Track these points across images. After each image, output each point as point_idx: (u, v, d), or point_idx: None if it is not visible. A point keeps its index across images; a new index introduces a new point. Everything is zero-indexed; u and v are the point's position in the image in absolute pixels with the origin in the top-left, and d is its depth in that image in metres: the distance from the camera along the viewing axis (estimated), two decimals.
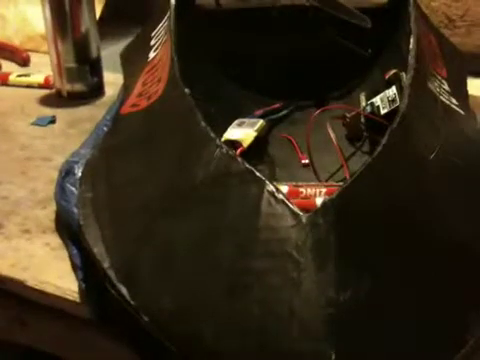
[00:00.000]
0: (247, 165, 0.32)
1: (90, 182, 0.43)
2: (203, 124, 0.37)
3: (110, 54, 0.74)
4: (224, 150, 0.34)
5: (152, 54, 0.59)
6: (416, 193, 0.34)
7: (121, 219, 0.37)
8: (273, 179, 0.48)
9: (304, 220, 0.28)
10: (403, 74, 0.49)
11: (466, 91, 0.59)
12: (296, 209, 0.29)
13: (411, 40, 0.47)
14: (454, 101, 0.51)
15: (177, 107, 0.43)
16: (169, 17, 0.56)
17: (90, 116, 0.61)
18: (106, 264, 0.33)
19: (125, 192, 0.39)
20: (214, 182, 0.33)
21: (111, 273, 0.33)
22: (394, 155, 0.35)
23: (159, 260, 0.32)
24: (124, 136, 0.47)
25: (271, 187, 0.30)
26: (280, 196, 0.30)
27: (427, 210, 0.34)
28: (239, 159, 0.33)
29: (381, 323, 0.28)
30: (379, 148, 0.34)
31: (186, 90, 0.43)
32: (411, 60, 0.44)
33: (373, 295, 0.28)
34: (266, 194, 0.30)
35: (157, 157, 0.40)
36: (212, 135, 0.35)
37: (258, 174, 0.31)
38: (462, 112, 0.51)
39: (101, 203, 0.39)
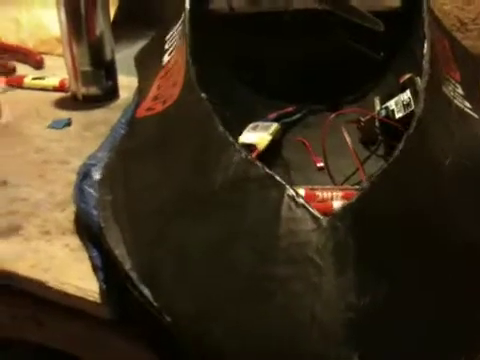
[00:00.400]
0: (267, 170, 0.33)
1: (109, 185, 0.43)
2: (221, 129, 0.37)
3: (124, 57, 0.75)
4: (243, 155, 0.34)
5: (166, 58, 0.60)
6: (432, 198, 0.34)
7: (139, 222, 0.37)
8: (288, 182, 0.48)
9: (325, 224, 0.29)
10: (418, 78, 0.49)
11: (479, 94, 0.59)
12: (316, 213, 0.29)
13: (425, 45, 0.47)
14: (468, 105, 0.52)
15: (194, 111, 0.43)
16: (183, 21, 0.56)
17: (105, 119, 0.62)
18: (128, 266, 0.34)
19: (142, 196, 0.39)
20: (233, 187, 0.34)
21: (133, 274, 0.33)
22: (411, 160, 0.35)
23: (178, 263, 0.33)
24: (140, 140, 0.48)
25: (291, 191, 0.31)
26: (300, 200, 0.30)
27: (442, 214, 0.34)
28: (258, 164, 0.33)
29: (400, 326, 0.28)
30: (396, 153, 0.34)
31: (203, 94, 0.43)
32: (426, 65, 0.45)
33: (391, 299, 0.28)
34: (286, 198, 0.30)
35: (174, 161, 0.40)
36: (231, 139, 0.36)
37: (278, 178, 0.32)
38: (476, 116, 0.51)
39: (120, 206, 0.40)
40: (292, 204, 0.30)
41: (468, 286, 0.32)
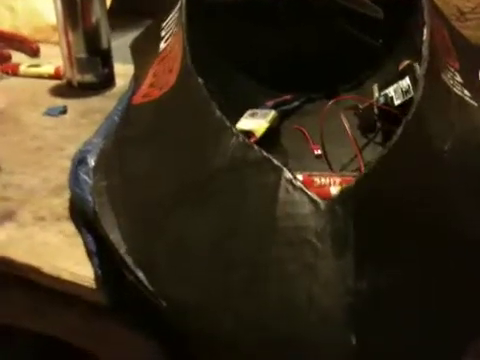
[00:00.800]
0: (264, 153, 0.32)
1: (104, 171, 0.43)
2: (218, 113, 0.37)
3: (120, 45, 0.74)
4: (240, 139, 0.34)
5: (163, 45, 0.59)
6: (431, 184, 0.34)
7: (137, 209, 0.37)
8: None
9: (323, 207, 0.28)
10: (417, 65, 0.49)
11: (478, 83, 0.59)
12: (315, 196, 0.29)
13: (424, 31, 0.47)
14: (467, 93, 0.51)
15: (190, 97, 0.43)
16: (180, 8, 0.56)
17: (101, 107, 0.61)
18: (123, 250, 0.34)
19: (140, 183, 0.39)
20: (231, 171, 0.33)
21: (128, 259, 0.33)
22: (409, 146, 0.35)
23: (176, 249, 0.32)
24: (137, 127, 0.47)
25: (288, 174, 0.30)
26: (298, 183, 0.30)
27: (442, 201, 0.34)
28: (256, 147, 0.33)
29: (400, 312, 0.28)
30: (395, 139, 0.34)
31: (200, 80, 0.43)
32: (425, 51, 0.44)
33: (391, 284, 0.28)
34: (284, 181, 0.30)
35: (171, 147, 0.40)
36: (228, 124, 0.35)
37: (276, 162, 0.31)
38: (475, 104, 0.51)
39: (116, 192, 0.39)
40: (289, 187, 0.30)
41: (469, 274, 0.32)
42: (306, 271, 0.27)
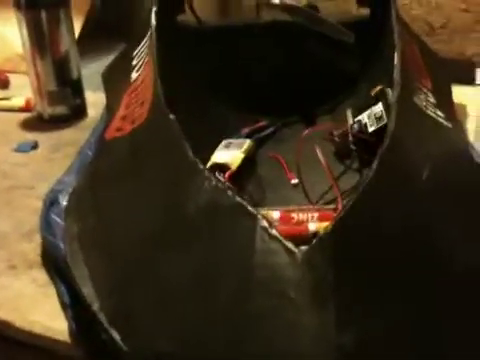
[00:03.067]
0: (237, 198, 0.31)
1: (76, 214, 0.42)
2: (190, 155, 0.36)
3: (91, 72, 0.73)
4: (214, 182, 0.33)
5: (134, 75, 0.58)
6: (411, 218, 0.33)
7: (110, 255, 0.36)
8: (263, 201, 0.47)
9: (300, 256, 0.28)
10: (389, 90, 0.48)
11: (451, 101, 0.59)
12: (290, 245, 0.28)
13: (396, 56, 0.47)
14: (440, 113, 0.51)
15: (163, 135, 0.42)
16: (150, 36, 0.55)
17: (73, 140, 0.60)
18: (96, 306, 0.32)
19: (113, 226, 0.38)
20: (206, 216, 0.32)
21: (101, 316, 0.32)
22: (386, 179, 0.34)
23: (153, 300, 0.31)
24: (110, 164, 0.46)
25: (264, 222, 0.30)
26: (273, 232, 0.29)
27: (424, 235, 0.33)
28: (229, 192, 0.32)
29: None
30: (370, 174, 0.33)
31: (171, 116, 0.42)
32: (396, 76, 0.44)
33: (376, 334, 0.27)
34: (259, 230, 0.29)
35: (145, 189, 0.39)
36: (200, 167, 0.35)
37: (250, 208, 0.31)
38: (449, 125, 0.51)
39: (88, 238, 0.38)
40: (265, 236, 0.29)
41: (460, 309, 0.31)
42: (286, 328, 0.26)
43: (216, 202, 0.32)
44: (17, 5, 0.60)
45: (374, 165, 0.34)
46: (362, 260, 0.29)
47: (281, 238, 0.29)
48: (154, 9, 0.55)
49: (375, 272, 0.29)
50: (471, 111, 0.67)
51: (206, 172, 0.34)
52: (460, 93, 0.66)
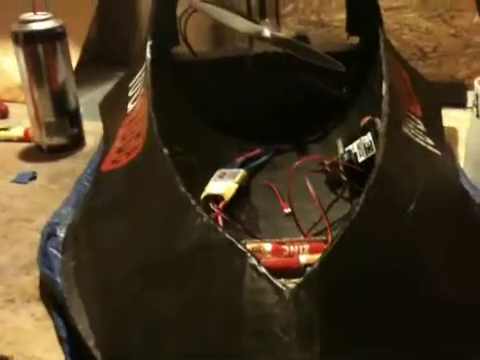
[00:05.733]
0: (227, 236, 0.32)
1: (73, 248, 0.43)
2: (183, 191, 0.37)
3: (88, 101, 0.74)
4: (205, 219, 0.34)
5: (130, 106, 0.59)
6: (397, 253, 0.34)
7: (105, 291, 0.37)
8: (257, 231, 0.48)
9: (287, 296, 0.28)
10: (377, 120, 0.50)
11: (441, 127, 0.60)
12: (279, 284, 0.29)
13: (384, 85, 0.48)
14: (430, 141, 0.52)
15: (156, 170, 0.43)
16: (145, 69, 0.56)
17: (71, 170, 0.61)
18: (91, 342, 0.33)
19: (108, 262, 0.39)
20: (197, 253, 0.33)
21: (97, 353, 0.32)
22: (373, 213, 0.35)
23: (145, 337, 0.32)
24: (105, 198, 0.47)
25: (253, 260, 0.30)
26: (262, 270, 0.30)
27: (409, 269, 0.34)
28: (220, 229, 0.33)
29: None
30: (357, 208, 0.34)
31: (165, 151, 0.43)
32: (384, 107, 0.45)
33: None
34: (248, 268, 0.30)
35: (139, 224, 0.40)
36: (192, 203, 0.36)
37: (239, 246, 0.31)
38: (438, 153, 0.51)
39: (84, 273, 0.39)
40: (254, 274, 0.30)
41: (449, 342, 0.32)
42: None
43: (207, 239, 0.33)
44: (15, 40, 0.62)
45: (360, 200, 0.35)
46: (348, 297, 0.30)
47: (270, 276, 0.29)
48: (149, 43, 0.57)
49: (361, 309, 0.30)
50: (462, 135, 0.68)
51: (198, 208, 0.35)
52: (451, 116, 0.67)
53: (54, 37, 0.62)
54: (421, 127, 0.54)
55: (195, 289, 0.32)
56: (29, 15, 0.62)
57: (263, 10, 0.68)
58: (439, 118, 0.61)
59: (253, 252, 0.32)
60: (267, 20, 0.62)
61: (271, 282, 0.29)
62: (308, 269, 0.30)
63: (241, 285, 0.30)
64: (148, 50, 0.57)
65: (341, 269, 0.30)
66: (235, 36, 0.72)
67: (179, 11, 0.61)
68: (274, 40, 0.54)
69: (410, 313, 0.31)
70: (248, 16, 0.62)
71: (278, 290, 0.29)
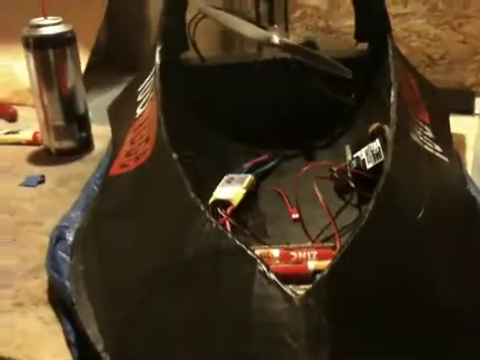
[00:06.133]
0: (237, 242, 0.32)
1: (81, 252, 0.43)
2: (192, 196, 0.37)
3: (97, 105, 0.74)
4: (214, 225, 0.34)
5: (139, 110, 0.60)
6: (406, 259, 0.34)
7: (114, 296, 0.37)
8: (264, 236, 0.48)
9: (297, 303, 0.29)
10: (386, 127, 0.50)
11: (449, 133, 0.60)
12: (288, 290, 0.29)
13: (392, 93, 0.48)
14: (438, 148, 0.52)
15: (165, 174, 0.43)
16: (155, 74, 0.57)
17: (80, 173, 0.62)
18: (100, 346, 0.33)
19: (117, 266, 0.39)
20: (205, 259, 0.33)
21: (106, 357, 0.32)
22: (382, 221, 0.35)
23: (153, 343, 0.32)
24: (114, 202, 0.47)
25: (262, 266, 0.30)
26: (272, 276, 0.30)
27: (417, 276, 0.34)
28: (229, 235, 0.33)
29: None
30: (366, 216, 0.34)
31: (174, 155, 0.43)
32: (393, 114, 0.45)
33: None
34: (258, 274, 0.30)
35: (148, 229, 0.40)
36: (201, 208, 0.36)
37: (249, 252, 0.31)
38: (446, 159, 0.51)
39: (93, 277, 0.39)
40: (264, 281, 0.30)
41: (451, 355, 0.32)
42: None
43: (216, 245, 0.33)
44: (26, 44, 0.62)
45: (369, 207, 0.35)
46: (356, 304, 0.30)
47: (279, 283, 0.30)
48: (158, 48, 0.57)
49: (369, 316, 0.30)
50: (470, 141, 0.68)
51: (207, 214, 0.35)
52: (459, 123, 0.67)
53: (64, 42, 0.63)
54: (429, 134, 0.54)
55: (204, 295, 0.32)
56: (39, 20, 0.63)
57: (272, 16, 0.69)
58: (447, 125, 0.61)
59: (262, 258, 0.32)
60: (276, 26, 0.62)
61: (281, 289, 0.29)
62: (317, 276, 0.30)
63: (250, 292, 0.30)
64: (157, 55, 0.57)
65: (350, 276, 0.31)
66: (244, 41, 0.72)
67: (188, 17, 0.62)
68: (283, 46, 0.54)
69: (418, 320, 0.31)
70: (257, 22, 0.63)
71: (288, 297, 0.29)
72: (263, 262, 0.31)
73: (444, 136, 0.57)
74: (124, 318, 0.35)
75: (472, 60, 0.77)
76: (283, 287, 0.29)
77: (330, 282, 0.29)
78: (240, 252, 0.32)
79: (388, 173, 0.38)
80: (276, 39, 0.54)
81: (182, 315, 0.32)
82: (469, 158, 0.63)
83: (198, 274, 0.33)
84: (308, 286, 0.30)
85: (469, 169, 0.59)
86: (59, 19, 0.63)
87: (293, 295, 0.29)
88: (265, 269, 0.30)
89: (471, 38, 0.76)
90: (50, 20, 0.63)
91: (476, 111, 0.75)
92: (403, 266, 0.34)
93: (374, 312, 0.31)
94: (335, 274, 0.30)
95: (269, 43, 0.54)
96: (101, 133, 0.69)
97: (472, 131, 0.70)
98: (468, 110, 0.75)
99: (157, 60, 0.56)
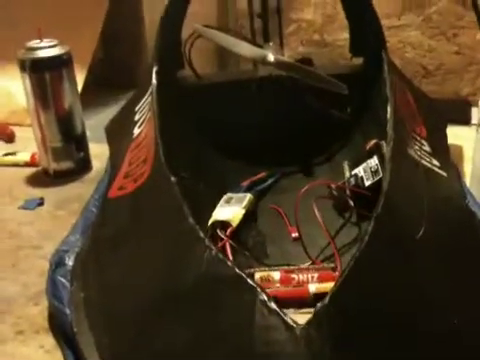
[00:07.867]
0: (237, 270, 0.32)
1: (81, 279, 0.43)
2: (191, 222, 0.37)
3: (94, 124, 0.75)
4: (214, 252, 0.34)
5: (137, 130, 0.60)
6: (406, 284, 0.34)
7: (114, 324, 0.37)
8: (264, 257, 0.48)
9: (298, 333, 0.28)
10: (383, 143, 0.50)
11: (446, 146, 0.60)
12: (289, 320, 0.29)
13: (388, 109, 0.48)
14: (436, 162, 0.52)
15: (164, 198, 0.43)
16: (151, 94, 0.57)
17: (78, 195, 0.61)
18: None
19: (117, 294, 0.39)
20: (205, 287, 0.33)
21: None
22: (381, 244, 0.35)
23: None
24: (113, 227, 0.47)
25: (263, 296, 0.30)
26: (273, 306, 0.30)
27: (420, 300, 0.34)
28: (229, 263, 0.33)
29: None
30: (366, 238, 0.34)
31: (172, 179, 0.43)
32: (389, 131, 0.45)
33: None
34: (259, 304, 0.30)
35: (148, 255, 0.40)
36: (200, 235, 0.36)
37: (249, 281, 0.31)
38: (445, 174, 0.51)
39: (94, 305, 0.39)
40: (265, 310, 0.30)
41: None
42: None
43: (215, 273, 0.33)
44: (22, 67, 0.62)
45: (369, 229, 0.35)
46: (358, 333, 0.30)
47: (280, 312, 0.29)
48: (155, 69, 0.57)
49: (372, 345, 0.30)
50: (466, 152, 0.68)
51: (206, 241, 0.35)
52: (456, 134, 0.67)
53: (60, 64, 0.63)
54: (426, 148, 0.54)
55: (203, 323, 0.32)
56: (35, 42, 0.63)
57: (266, 32, 0.69)
58: (444, 137, 0.61)
59: (262, 282, 0.32)
60: (271, 43, 0.62)
61: (282, 319, 0.29)
62: (318, 305, 0.30)
63: (251, 321, 0.30)
64: (154, 76, 0.57)
65: (351, 304, 0.30)
66: (239, 59, 0.72)
67: (184, 35, 0.62)
68: (278, 64, 0.54)
69: (421, 346, 0.31)
70: (252, 40, 0.63)
71: (289, 327, 0.29)
72: (264, 291, 0.31)
73: (441, 149, 0.58)
74: (124, 346, 0.35)
75: (467, 70, 0.77)
76: (284, 317, 0.29)
77: (331, 311, 0.29)
78: (240, 280, 0.32)
79: (387, 193, 0.38)
80: (271, 57, 0.55)
81: (183, 344, 0.32)
82: (467, 169, 0.63)
83: (198, 302, 0.33)
84: (310, 310, 0.29)
85: (467, 181, 0.59)
86: (55, 41, 0.63)
87: (294, 325, 0.29)
88: (266, 298, 0.30)
89: (466, 49, 0.76)
90: (46, 42, 0.63)
91: (473, 121, 0.75)
92: (404, 291, 0.34)
93: (376, 339, 0.31)
94: (336, 302, 0.30)
95: (264, 62, 0.55)
96: (99, 152, 0.69)
97: (469, 142, 0.70)
98: (465, 120, 0.75)
99: (154, 81, 0.56)
